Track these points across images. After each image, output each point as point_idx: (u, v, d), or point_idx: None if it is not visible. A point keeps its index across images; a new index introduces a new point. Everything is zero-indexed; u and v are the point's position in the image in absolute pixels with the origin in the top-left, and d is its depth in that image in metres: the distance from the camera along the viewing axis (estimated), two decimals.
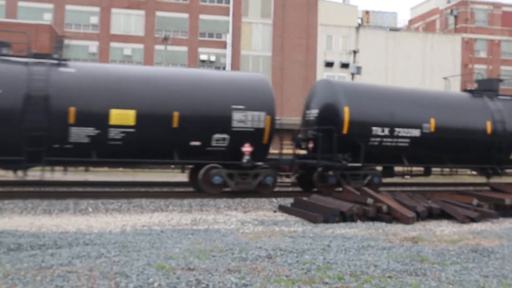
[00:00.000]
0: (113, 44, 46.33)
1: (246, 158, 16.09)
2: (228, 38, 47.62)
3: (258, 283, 6.20)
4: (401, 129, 17.91)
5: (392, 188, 19.69)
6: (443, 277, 6.83)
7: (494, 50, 53.74)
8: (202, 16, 47.82)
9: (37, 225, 10.95)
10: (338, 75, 48.27)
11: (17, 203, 13.36)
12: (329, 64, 48.70)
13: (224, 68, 47.30)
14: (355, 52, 47.83)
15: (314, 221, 12.30)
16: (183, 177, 21.88)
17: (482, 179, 25.70)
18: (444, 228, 11.89)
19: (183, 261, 7.16)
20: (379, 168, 18.75)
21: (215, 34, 48.05)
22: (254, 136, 16.20)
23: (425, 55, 51.03)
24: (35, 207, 13.11)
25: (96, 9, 46.29)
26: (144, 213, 13.25)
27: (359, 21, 52.06)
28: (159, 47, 45.89)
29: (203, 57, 47.20)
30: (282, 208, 14.34)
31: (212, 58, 47.33)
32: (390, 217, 12.64)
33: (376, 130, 17.57)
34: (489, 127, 19.46)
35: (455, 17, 54.30)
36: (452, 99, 20.20)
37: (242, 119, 16.08)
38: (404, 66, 50.07)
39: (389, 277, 6.75)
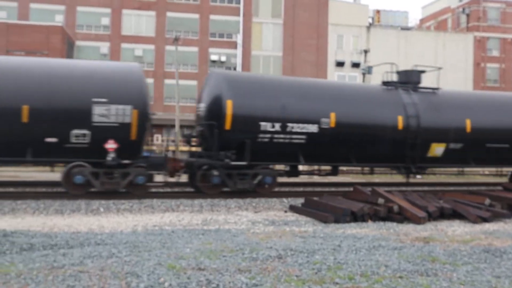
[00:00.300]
0: (124, 45, 46.58)
1: (111, 156, 14.76)
2: (239, 39, 47.68)
3: (268, 283, 6.20)
4: (295, 125, 16.27)
5: (403, 188, 19.61)
6: (455, 278, 6.78)
7: (507, 49, 53.31)
8: (213, 17, 47.93)
9: (49, 225, 11.03)
10: (349, 75, 48.19)
11: (29, 203, 13.48)
12: (339, 64, 48.60)
13: (235, 69, 47.38)
14: (366, 51, 47.68)
15: (324, 221, 12.28)
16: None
17: (494, 179, 25.59)
18: (456, 228, 11.81)
19: (194, 261, 7.18)
20: (282, 167, 17.62)
21: (225, 34, 48.13)
22: (120, 132, 14.83)
23: (437, 54, 50.75)
24: (47, 207, 13.22)
25: (107, 10, 46.57)
26: (155, 213, 13.31)
27: (370, 20, 51.89)
28: (169, 48, 46.04)
29: (213, 57, 47.31)
30: (292, 208, 14.33)
31: (223, 59, 47.43)
32: (401, 217, 12.58)
33: (265, 125, 15.97)
34: (400, 122, 17.66)
35: (467, 15, 53.94)
36: (358, 91, 18.45)
37: (105, 113, 14.71)
38: (415, 65, 49.76)
39: (400, 277, 6.72)
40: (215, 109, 15.97)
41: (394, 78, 19.49)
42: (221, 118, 15.70)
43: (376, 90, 18.62)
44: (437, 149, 18.32)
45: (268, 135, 16.08)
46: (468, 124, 18.57)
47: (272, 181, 16.51)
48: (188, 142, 17.85)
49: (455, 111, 18.70)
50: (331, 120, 16.73)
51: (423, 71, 19.73)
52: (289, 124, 16.23)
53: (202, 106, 16.69)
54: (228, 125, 15.69)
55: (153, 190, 16.17)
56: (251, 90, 16.33)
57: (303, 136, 16.42)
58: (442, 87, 19.81)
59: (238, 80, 16.79)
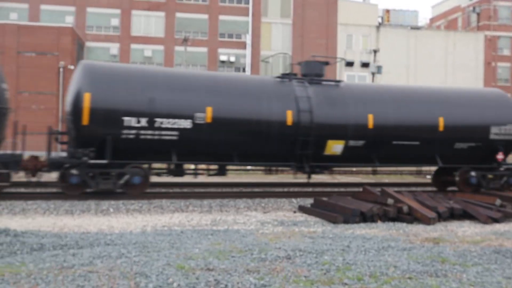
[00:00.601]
0: (134, 46, 46.75)
1: None
2: (248, 39, 47.69)
3: (277, 284, 6.20)
4: (164, 120, 14.96)
5: (413, 188, 19.54)
6: (464, 279, 6.75)
7: None
8: (222, 17, 47.98)
9: (60, 226, 11.10)
10: (359, 75, 48.06)
11: (40, 203, 13.58)
12: (349, 64, 48.46)
13: (244, 69, 47.41)
14: (375, 51, 47.50)
15: (334, 221, 12.26)
16: (205, 177, 21.97)
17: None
18: (466, 229, 11.74)
19: (203, 262, 7.19)
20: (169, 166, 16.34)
21: (234, 34, 48.17)
22: None
23: (447, 54, 50.48)
24: (57, 208, 13.30)
25: (117, 11, 46.76)
26: (165, 214, 13.35)
27: (380, 20, 51.70)
28: (179, 48, 46.17)
29: (223, 57, 47.36)
30: (302, 209, 14.32)
31: (232, 59, 47.47)
32: (411, 217, 12.53)
33: (130, 120, 14.69)
34: (289, 117, 16.14)
35: (478, 14, 53.61)
36: (240, 83, 16.70)
37: None
38: (425, 65, 49.60)
39: (409, 278, 6.70)
40: (74, 103, 14.71)
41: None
42: (78, 112, 14.51)
43: (266, 83, 16.93)
44: (335, 146, 16.80)
45: (134, 132, 14.79)
46: (371, 120, 17.02)
47: (142, 181, 15.09)
48: (56, 139, 16.62)
49: (356, 106, 17.10)
50: (207, 115, 15.35)
51: (326, 63, 18.24)
52: (158, 120, 14.93)
53: (69, 100, 15.25)
54: (85, 120, 14.47)
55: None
56: (113, 82, 14.97)
57: (175, 133, 15.13)
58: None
59: (98, 71, 15.28)
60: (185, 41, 43.83)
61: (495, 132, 18.49)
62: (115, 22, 46.84)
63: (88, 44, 45.98)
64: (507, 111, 18.95)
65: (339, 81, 18.00)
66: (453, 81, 48.51)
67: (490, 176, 18.48)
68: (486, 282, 6.62)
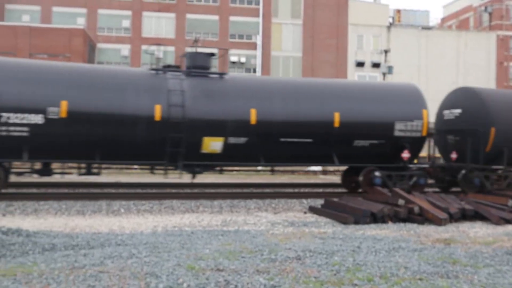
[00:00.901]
0: (145, 47, 46.94)
1: None
2: (258, 39, 47.71)
3: (286, 284, 6.20)
4: (11, 114, 13.78)
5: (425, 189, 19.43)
6: (476, 280, 6.70)
7: None
8: (232, 18, 48.05)
9: (71, 226, 11.18)
10: (369, 75, 47.88)
11: (51, 204, 13.67)
12: (360, 64, 48.31)
13: (254, 70, 47.43)
14: (386, 51, 47.30)
15: (344, 222, 12.23)
16: (213, 178, 22.04)
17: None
18: (478, 230, 11.66)
19: (213, 262, 7.21)
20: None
21: (245, 35, 48.20)
22: None
23: (459, 54, 50.16)
24: (69, 208, 13.39)
25: (128, 12, 47.00)
26: (175, 214, 13.40)
27: (390, 20, 51.48)
28: (189, 49, 46.28)
29: (233, 58, 47.41)
30: (312, 209, 14.30)
31: (243, 60, 47.51)
32: (422, 218, 12.46)
33: None
34: (158, 112, 14.98)
35: (490, 14, 53.21)
36: (103, 76, 15.40)
37: None
38: (437, 65, 49.31)
39: (420, 279, 6.67)
40: None
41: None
42: None
43: (136, 76, 15.71)
44: (213, 144, 15.59)
45: None
46: (254, 115, 15.79)
47: None
48: None
49: (237, 100, 15.88)
50: (62, 109, 14.20)
51: (212, 54, 17.10)
52: (4, 114, 13.81)
53: None
54: None
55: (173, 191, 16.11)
56: None
57: (26, 129, 13.97)
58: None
59: None
60: (195, 42, 43.92)
61: (400, 129, 17.08)
62: (126, 23, 47.08)
63: (100, 45, 46.25)
64: (415, 106, 17.55)
65: (223, 74, 16.72)
66: (465, 81, 48.15)
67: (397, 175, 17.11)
68: (497, 283, 6.57)
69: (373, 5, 51.50)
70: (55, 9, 46.04)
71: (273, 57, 48.02)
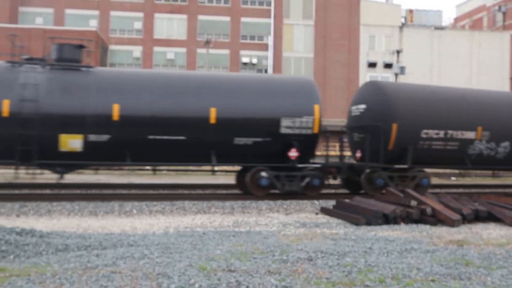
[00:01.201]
0: (156, 49, 47.18)
1: None
2: (270, 40, 47.73)
3: (298, 285, 6.20)
4: None
5: (438, 190, 19.31)
6: (489, 282, 6.65)
7: None
8: (244, 19, 48.12)
9: (84, 227, 11.26)
10: (382, 76, 47.68)
11: (64, 205, 13.78)
12: (372, 65, 48.16)
13: (266, 71, 47.46)
14: (398, 52, 47.12)
15: (356, 223, 12.19)
16: (225, 179, 22.08)
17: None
18: (491, 231, 11.57)
19: (224, 263, 7.22)
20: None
21: (256, 36, 48.25)
22: None
23: (472, 54, 49.81)
24: (81, 209, 13.49)
25: (140, 14, 47.27)
26: (187, 215, 13.43)
27: (403, 20, 51.26)
28: (201, 51, 46.44)
29: (245, 59, 47.48)
30: (324, 210, 14.26)
31: (254, 61, 47.56)
32: (435, 219, 12.38)
33: None
34: (5, 107, 14.17)
35: (503, 13, 52.80)
36: None
37: None
38: (450, 65, 49.01)
39: (432, 280, 6.63)
40: None
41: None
42: None
43: None
44: (72, 142, 14.65)
45: None
46: (116, 110, 14.83)
47: None
48: None
49: (100, 94, 14.98)
50: None
51: (81, 46, 16.21)
52: None
53: None
54: None
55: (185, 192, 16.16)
56: None
57: None
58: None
59: None
60: (207, 44, 44.06)
61: (287, 125, 15.93)
62: (138, 25, 47.35)
63: (112, 47, 46.55)
64: (305, 101, 16.32)
65: (90, 67, 15.75)
66: (478, 81, 47.82)
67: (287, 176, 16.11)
68: (511, 285, 6.52)
69: (385, 5, 51.31)
70: (68, 11, 46.43)
71: (285, 58, 48.01)
